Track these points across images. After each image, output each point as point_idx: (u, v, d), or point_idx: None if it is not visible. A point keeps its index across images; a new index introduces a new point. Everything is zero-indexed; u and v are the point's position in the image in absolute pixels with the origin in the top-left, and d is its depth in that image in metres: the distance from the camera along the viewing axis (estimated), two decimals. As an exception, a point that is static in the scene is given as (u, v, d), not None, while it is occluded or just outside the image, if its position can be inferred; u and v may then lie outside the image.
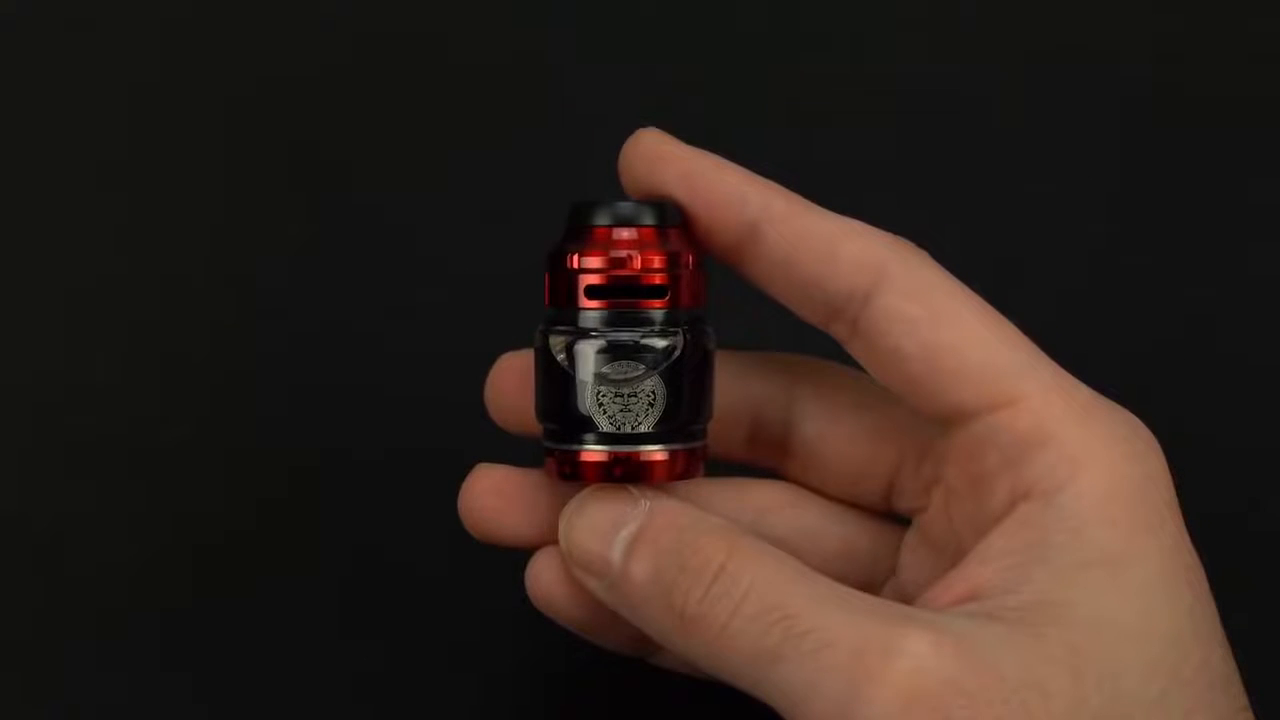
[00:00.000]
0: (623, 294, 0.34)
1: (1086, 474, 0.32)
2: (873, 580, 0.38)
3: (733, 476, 0.39)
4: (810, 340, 0.37)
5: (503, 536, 0.37)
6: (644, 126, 0.36)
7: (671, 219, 0.35)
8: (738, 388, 0.38)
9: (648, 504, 0.34)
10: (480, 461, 0.38)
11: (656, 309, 0.34)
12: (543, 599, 0.37)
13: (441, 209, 0.48)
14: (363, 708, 0.46)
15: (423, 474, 0.47)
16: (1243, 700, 0.33)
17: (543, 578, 0.37)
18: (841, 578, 0.34)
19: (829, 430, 0.38)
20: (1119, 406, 0.34)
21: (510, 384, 0.38)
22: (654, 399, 0.34)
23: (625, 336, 0.34)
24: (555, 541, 0.36)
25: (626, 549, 0.34)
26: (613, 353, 0.34)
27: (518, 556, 0.38)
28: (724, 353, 0.38)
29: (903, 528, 0.38)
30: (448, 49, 0.49)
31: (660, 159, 0.35)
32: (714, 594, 0.32)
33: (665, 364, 0.34)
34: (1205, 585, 0.33)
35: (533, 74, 0.49)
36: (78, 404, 0.48)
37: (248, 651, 0.47)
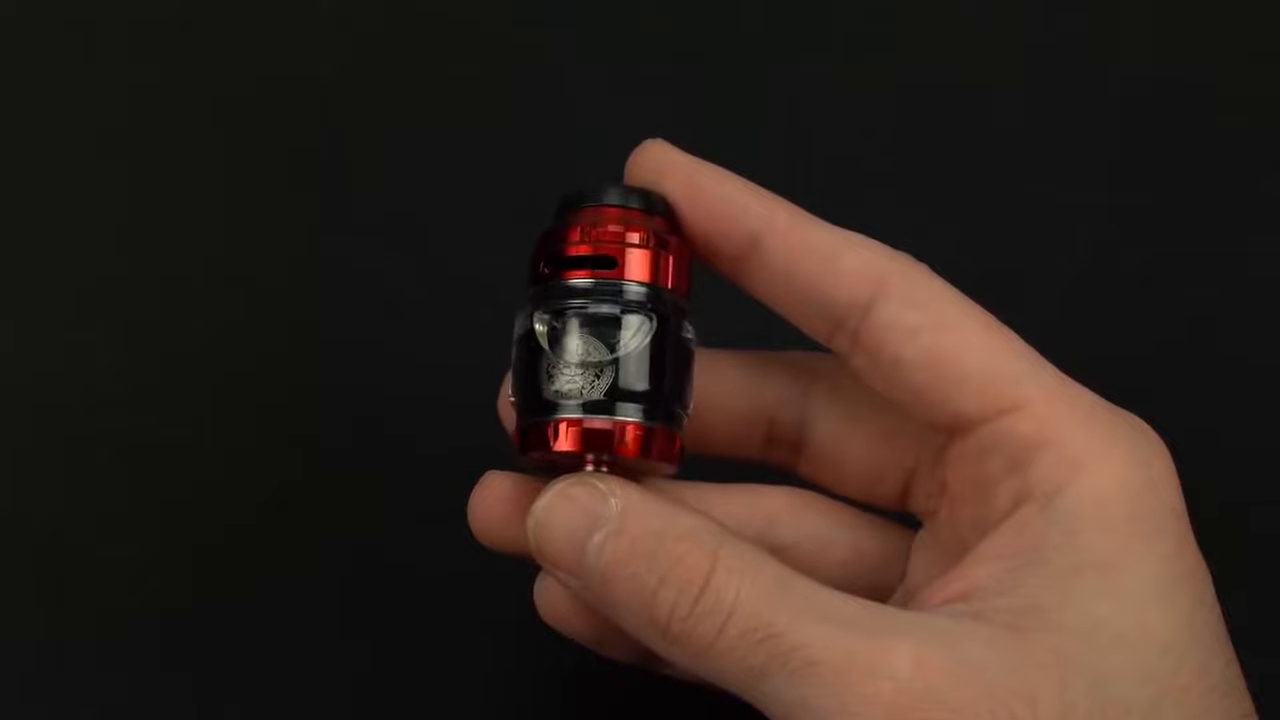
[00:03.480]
0: (590, 265, 0.34)
1: (1086, 477, 0.32)
2: (882, 586, 0.38)
3: (741, 483, 0.39)
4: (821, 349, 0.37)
5: (511, 546, 0.37)
6: (651, 138, 0.36)
7: (656, 207, 0.35)
8: (754, 387, 0.38)
9: (617, 503, 0.33)
10: (482, 461, 0.38)
11: (627, 283, 0.34)
12: (552, 615, 0.37)
13: (442, 209, 0.48)
14: (363, 708, 0.46)
15: (423, 473, 0.47)
16: (1246, 706, 0.32)
17: (552, 593, 0.36)
18: (850, 584, 0.33)
19: (845, 432, 0.38)
20: (1126, 412, 0.34)
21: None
22: (618, 370, 0.33)
23: (592, 309, 0.34)
24: None
25: (599, 553, 0.33)
26: (581, 323, 0.33)
27: (520, 563, 0.38)
28: (740, 352, 0.38)
29: (913, 533, 0.38)
30: (449, 49, 0.49)
31: (665, 169, 0.35)
32: (699, 612, 0.32)
33: (634, 335, 0.34)
34: (1209, 591, 0.33)
35: (534, 74, 0.49)
36: (78, 404, 0.48)
37: (248, 651, 0.47)
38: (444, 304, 0.48)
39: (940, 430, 0.35)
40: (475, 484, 0.37)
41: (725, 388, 0.38)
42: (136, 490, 0.47)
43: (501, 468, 0.37)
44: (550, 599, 0.37)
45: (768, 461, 0.39)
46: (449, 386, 0.46)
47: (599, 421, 0.33)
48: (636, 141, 0.36)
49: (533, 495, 0.36)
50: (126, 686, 0.47)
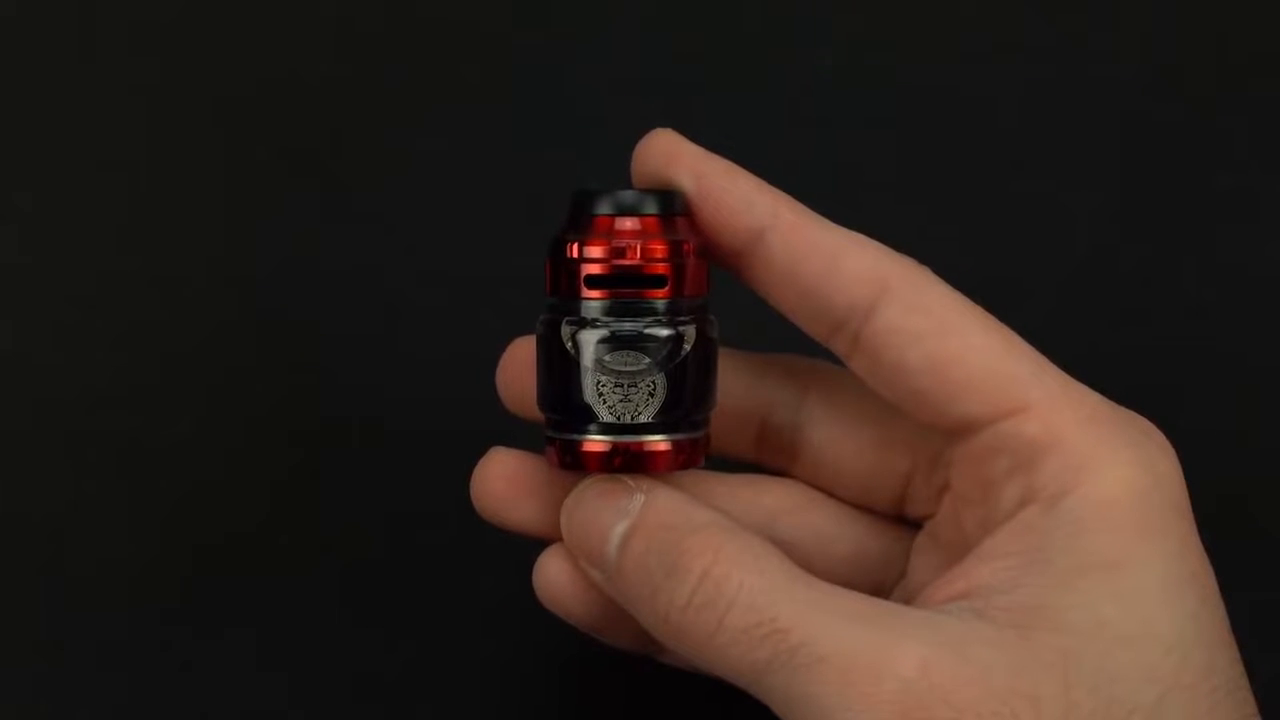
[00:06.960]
0: (624, 284, 0.34)
1: (1091, 479, 0.32)
2: (883, 584, 0.38)
3: (746, 473, 0.39)
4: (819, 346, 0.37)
5: (512, 523, 0.37)
6: (659, 127, 0.36)
7: (675, 207, 0.34)
8: (749, 389, 0.38)
9: (642, 498, 0.34)
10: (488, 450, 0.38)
11: (659, 299, 0.34)
12: (549, 597, 0.37)
13: (442, 209, 0.48)
14: (364, 707, 0.46)
15: (423, 473, 0.47)
16: (1250, 708, 0.32)
17: (550, 576, 0.36)
18: (851, 581, 0.34)
19: (840, 438, 0.38)
20: (1131, 412, 0.34)
21: (521, 369, 0.37)
22: (655, 389, 0.34)
23: (628, 327, 0.34)
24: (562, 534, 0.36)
25: (620, 545, 0.34)
26: (614, 343, 0.33)
27: (519, 556, 0.38)
28: (737, 352, 0.38)
29: (915, 532, 0.38)
30: (449, 49, 0.49)
31: (673, 158, 0.35)
32: (697, 602, 0.32)
33: (667, 354, 0.34)
34: (1214, 590, 0.33)
35: (534, 74, 0.49)
36: (78, 404, 0.48)
37: (248, 651, 0.47)
38: (444, 304, 0.48)
39: (943, 432, 0.35)
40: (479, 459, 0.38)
41: (719, 385, 0.38)
42: (136, 490, 0.47)
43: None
44: (549, 582, 0.37)
45: (762, 464, 0.39)
46: (450, 386, 0.46)
47: (626, 445, 0.34)
48: (636, 141, 0.36)
49: (535, 473, 0.37)
50: (126, 686, 0.47)
